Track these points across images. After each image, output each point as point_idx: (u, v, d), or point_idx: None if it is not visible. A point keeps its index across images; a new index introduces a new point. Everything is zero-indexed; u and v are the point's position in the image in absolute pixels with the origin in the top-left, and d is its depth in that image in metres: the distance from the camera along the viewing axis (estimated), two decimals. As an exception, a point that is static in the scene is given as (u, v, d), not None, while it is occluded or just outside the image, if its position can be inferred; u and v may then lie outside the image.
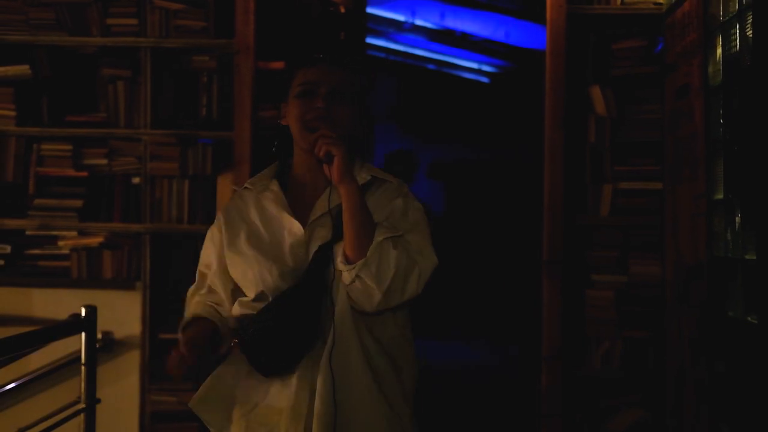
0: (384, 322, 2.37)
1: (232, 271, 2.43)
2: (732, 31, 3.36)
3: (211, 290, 2.55)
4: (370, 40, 7.15)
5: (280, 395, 2.31)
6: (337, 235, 2.31)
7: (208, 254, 2.55)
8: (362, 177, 2.41)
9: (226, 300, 2.48)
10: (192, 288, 2.65)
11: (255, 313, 2.32)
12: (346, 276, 2.25)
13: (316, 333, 2.28)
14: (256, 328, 2.27)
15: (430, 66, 10.66)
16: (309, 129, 2.33)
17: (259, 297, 2.35)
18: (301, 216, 2.39)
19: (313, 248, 2.33)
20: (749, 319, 3.17)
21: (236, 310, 2.40)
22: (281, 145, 2.52)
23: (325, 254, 2.30)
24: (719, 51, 3.52)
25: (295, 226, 2.37)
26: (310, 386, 2.28)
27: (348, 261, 2.25)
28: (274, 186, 2.45)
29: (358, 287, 2.25)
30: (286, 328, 2.26)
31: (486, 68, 10.57)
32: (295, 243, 2.35)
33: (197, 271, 2.63)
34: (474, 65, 10.50)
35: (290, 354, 2.29)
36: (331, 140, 2.23)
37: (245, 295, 2.40)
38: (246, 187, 2.50)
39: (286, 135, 2.46)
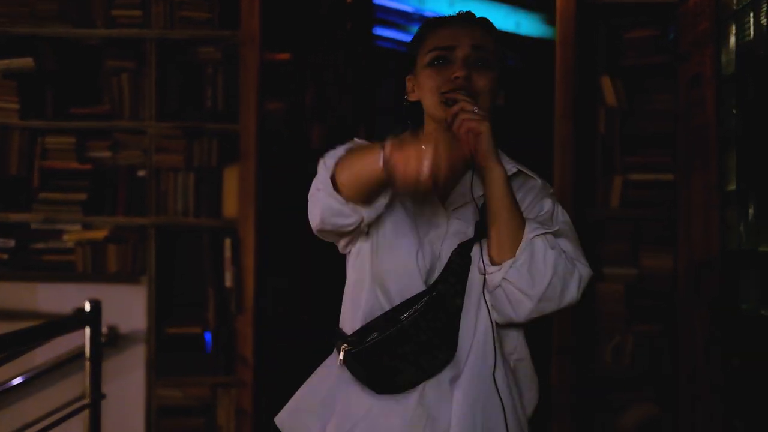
0: (509, 334, 2.01)
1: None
2: (746, 20, 3.31)
3: None
4: (377, 31, 7.10)
5: (390, 414, 1.94)
6: (480, 232, 1.95)
7: None
8: (507, 166, 2.00)
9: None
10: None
11: (373, 317, 1.96)
12: (491, 279, 1.89)
13: (454, 350, 1.92)
14: (376, 338, 1.91)
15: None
16: (446, 103, 1.95)
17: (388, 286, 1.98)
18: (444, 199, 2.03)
19: (451, 245, 1.96)
20: (763, 312, 3.12)
21: (346, 312, 2.04)
22: (413, 123, 2.12)
23: (467, 254, 1.94)
24: (732, 40, 3.47)
25: (439, 215, 2.00)
26: (432, 410, 1.91)
27: (492, 262, 1.90)
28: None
29: (505, 293, 1.88)
30: (420, 342, 1.90)
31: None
32: (435, 235, 1.98)
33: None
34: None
35: (417, 374, 1.92)
36: (474, 115, 1.88)
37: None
38: None
39: (413, 112, 2.11)
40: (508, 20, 8.79)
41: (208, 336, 4.46)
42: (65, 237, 4.49)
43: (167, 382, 4.45)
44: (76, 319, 3.59)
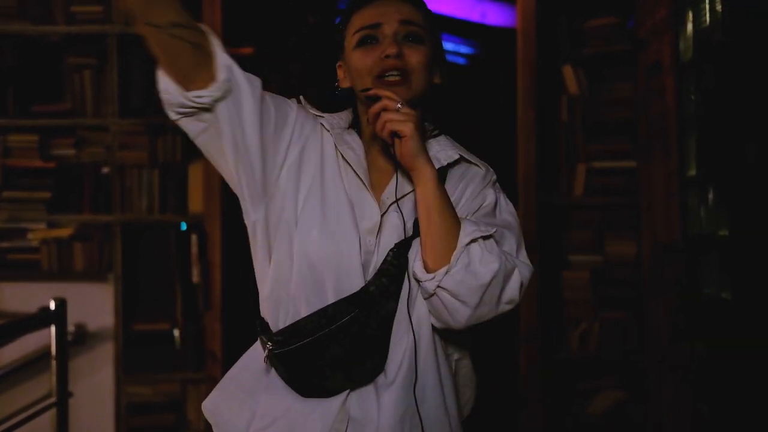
0: (459, 338, 1.92)
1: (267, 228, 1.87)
2: (701, 6, 3.34)
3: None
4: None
5: (310, 415, 1.82)
6: (417, 230, 1.81)
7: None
8: (445, 155, 1.92)
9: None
10: None
11: (301, 316, 1.82)
12: (425, 287, 1.77)
13: (385, 357, 1.80)
14: (302, 342, 1.79)
15: (406, 48, 10.60)
16: (370, 98, 1.82)
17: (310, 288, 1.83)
18: (376, 189, 1.89)
19: (387, 241, 1.82)
20: (723, 296, 3.15)
21: (269, 297, 1.87)
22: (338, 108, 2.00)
23: (403, 254, 1.81)
24: (689, 27, 3.49)
25: (373, 209, 1.85)
26: (356, 416, 1.81)
27: (427, 268, 1.77)
28: (355, 141, 1.92)
29: (441, 301, 1.76)
30: (348, 348, 1.78)
31: (462, 49, 10.52)
32: (369, 229, 1.83)
33: None
34: (450, 47, 10.46)
35: (345, 380, 1.81)
36: (398, 114, 1.75)
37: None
38: (321, 124, 1.94)
39: (346, 100, 1.97)
40: (473, 11, 8.80)
41: (176, 332, 4.45)
42: (30, 236, 4.46)
43: (136, 378, 4.44)
44: (41, 318, 3.57)
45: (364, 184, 1.86)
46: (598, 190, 4.34)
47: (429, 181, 1.77)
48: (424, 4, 1.96)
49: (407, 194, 1.86)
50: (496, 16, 8.81)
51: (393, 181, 1.87)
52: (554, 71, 4.38)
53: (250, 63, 5.04)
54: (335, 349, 1.78)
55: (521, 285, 1.79)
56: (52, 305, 3.48)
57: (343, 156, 1.89)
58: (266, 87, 1.86)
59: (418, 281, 1.79)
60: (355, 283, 1.80)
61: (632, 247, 4.28)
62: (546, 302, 4.32)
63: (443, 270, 1.74)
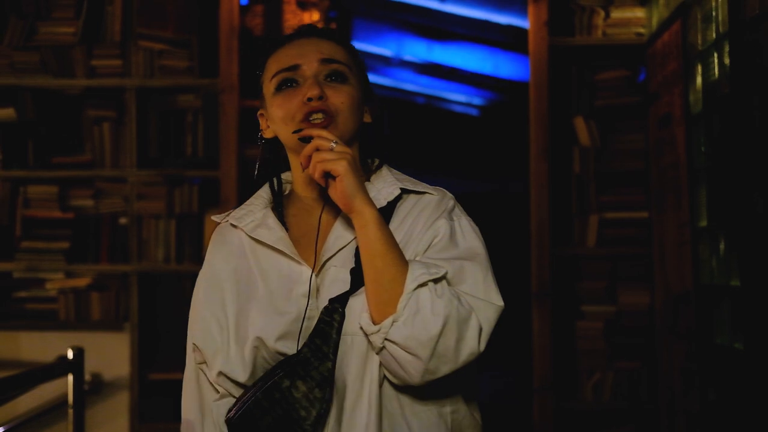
0: (443, 387, 1.70)
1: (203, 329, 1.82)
2: (710, 60, 3.39)
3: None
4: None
5: None
6: (359, 280, 1.68)
7: (209, 316, 1.81)
8: (385, 193, 1.78)
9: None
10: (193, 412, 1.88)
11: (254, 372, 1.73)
12: (373, 340, 1.63)
13: (323, 421, 1.65)
14: (242, 408, 1.66)
15: (419, 100, 10.69)
16: (301, 140, 1.69)
17: (252, 372, 1.73)
18: (310, 251, 1.76)
19: (325, 300, 1.69)
20: (736, 345, 3.16)
21: (218, 378, 1.77)
22: (267, 165, 1.87)
23: (337, 310, 1.67)
24: (699, 80, 3.54)
25: (303, 274, 1.73)
26: None
27: (372, 319, 1.63)
28: (270, 220, 1.80)
29: (391, 354, 1.61)
30: (277, 416, 1.64)
31: (475, 101, 10.60)
32: (305, 293, 1.71)
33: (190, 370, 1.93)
34: (463, 98, 10.54)
35: None
36: (331, 153, 1.63)
37: None
38: (231, 224, 1.84)
39: (273, 150, 1.85)
40: (486, 63, 8.89)
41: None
42: (48, 285, 4.52)
43: (151, 428, 4.45)
44: (59, 367, 3.59)
45: (284, 253, 1.74)
46: (611, 241, 4.37)
47: (368, 223, 1.63)
48: (345, 39, 1.86)
49: (347, 244, 1.73)
50: (508, 68, 8.89)
51: (332, 235, 1.75)
52: (566, 123, 4.44)
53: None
54: (266, 418, 1.64)
55: (480, 331, 1.61)
56: (70, 354, 3.50)
57: (261, 241, 1.78)
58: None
59: (365, 334, 1.65)
60: (289, 348, 1.69)
61: (645, 296, 4.30)
62: (560, 352, 4.33)
63: (389, 320, 1.59)
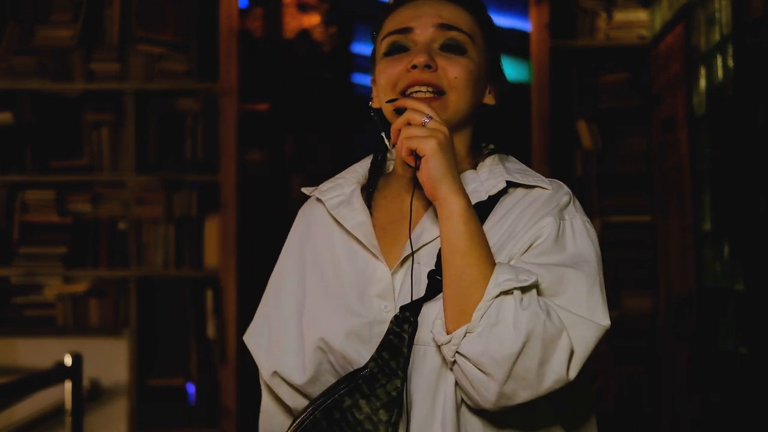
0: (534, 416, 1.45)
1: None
2: (714, 62, 3.36)
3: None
4: (357, 79, 7.16)
5: None
6: (435, 286, 1.46)
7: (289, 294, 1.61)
8: (488, 185, 1.52)
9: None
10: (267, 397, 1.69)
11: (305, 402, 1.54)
12: (445, 355, 1.40)
13: None
14: (299, 428, 1.45)
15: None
16: (398, 110, 1.47)
17: (313, 376, 1.53)
18: (396, 243, 1.54)
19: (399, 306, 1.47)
20: (740, 349, 3.13)
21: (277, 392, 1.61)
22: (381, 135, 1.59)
23: (409, 319, 1.43)
24: (702, 82, 3.51)
25: (379, 270, 1.51)
26: None
27: (446, 328, 1.40)
28: (356, 200, 1.57)
29: (463, 371, 1.37)
30: None
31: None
32: (380, 293, 1.50)
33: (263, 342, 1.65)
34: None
35: None
36: (417, 130, 1.41)
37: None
38: (316, 198, 1.63)
39: (383, 122, 1.58)
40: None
41: (191, 387, 4.44)
42: (46, 291, 4.48)
43: (150, 434, 4.43)
44: (57, 373, 3.56)
45: (363, 245, 1.53)
46: (613, 245, 4.34)
47: (453, 215, 1.39)
48: (477, 4, 1.61)
49: (433, 239, 1.49)
50: (510, 72, 8.87)
51: (419, 227, 1.51)
52: (568, 125, 4.41)
53: (267, 119, 5.10)
54: None
55: (571, 355, 1.36)
56: (68, 360, 3.47)
57: (339, 222, 1.57)
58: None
59: (438, 346, 1.42)
60: (357, 360, 1.48)
61: (648, 300, 4.27)
62: (597, 348, 4.28)
63: (461, 330, 1.36)
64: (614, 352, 4.30)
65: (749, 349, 3.00)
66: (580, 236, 1.48)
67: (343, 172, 1.66)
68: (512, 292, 1.34)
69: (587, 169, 4.37)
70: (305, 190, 1.68)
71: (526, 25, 4.71)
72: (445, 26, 1.53)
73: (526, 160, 4.33)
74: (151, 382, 4.45)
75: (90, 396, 4.35)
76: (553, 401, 1.41)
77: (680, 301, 3.83)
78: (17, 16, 4.54)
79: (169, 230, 4.48)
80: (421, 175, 1.41)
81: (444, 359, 1.42)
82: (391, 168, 1.66)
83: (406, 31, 1.54)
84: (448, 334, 1.38)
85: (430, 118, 1.41)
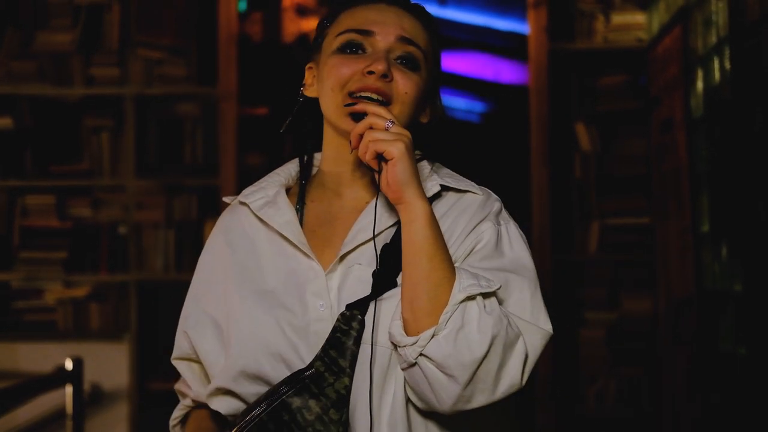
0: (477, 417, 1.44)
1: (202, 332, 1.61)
2: (711, 64, 3.37)
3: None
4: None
5: None
6: (385, 283, 1.47)
7: (209, 301, 1.63)
8: (426, 188, 1.50)
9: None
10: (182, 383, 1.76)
11: (246, 404, 1.51)
12: (404, 354, 1.40)
13: None
14: (243, 429, 1.43)
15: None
16: (353, 115, 1.48)
17: (251, 375, 1.50)
18: (328, 245, 1.54)
19: (343, 304, 1.46)
20: (740, 351, 3.13)
21: (213, 394, 1.58)
22: (302, 128, 1.63)
23: (356, 317, 1.44)
24: (700, 84, 3.52)
25: (311, 270, 1.50)
26: None
27: (407, 329, 1.40)
28: (281, 200, 1.57)
29: (424, 373, 1.38)
30: None
31: (476, 107, 10.58)
32: (315, 292, 1.49)
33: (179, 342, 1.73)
34: (464, 105, 10.52)
35: None
36: (384, 134, 1.41)
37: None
38: (240, 202, 1.63)
39: (310, 113, 1.61)
40: (487, 69, 8.86)
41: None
42: (46, 295, 4.49)
43: (151, 438, 4.43)
44: (58, 378, 3.57)
45: (292, 243, 1.52)
46: (613, 247, 4.35)
47: (419, 218, 1.40)
48: (433, 22, 1.62)
49: (362, 243, 1.50)
50: (509, 74, 8.87)
51: (356, 226, 1.52)
52: (567, 128, 4.42)
53: (265, 123, 5.10)
54: None
55: (525, 360, 1.39)
56: (69, 365, 3.48)
57: (266, 222, 1.56)
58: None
59: (395, 346, 1.42)
60: (290, 363, 1.47)
61: (647, 302, 4.27)
62: (562, 360, 4.30)
63: (428, 333, 1.36)
64: (614, 354, 4.31)
65: (749, 349, 3.00)
66: (516, 242, 1.52)
67: (266, 177, 1.66)
68: (476, 298, 1.37)
69: (586, 172, 4.38)
70: (226, 199, 1.70)
71: (524, 28, 4.72)
72: (405, 40, 1.53)
73: (525, 162, 4.30)
74: (151, 386, 4.45)
75: (91, 400, 4.35)
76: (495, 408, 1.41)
77: (680, 302, 3.84)
78: (17, 21, 4.55)
79: (169, 234, 4.49)
80: (386, 179, 1.41)
81: (391, 359, 1.43)
82: (315, 171, 1.66)
83: (367, 33, 1.53)
84: (408, 335, 1.38)
85: (393, 122, 1.42)
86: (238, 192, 1.66)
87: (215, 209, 4.46)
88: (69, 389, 3.50)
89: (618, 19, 4.39)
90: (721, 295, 3.35)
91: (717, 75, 3.30)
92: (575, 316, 4.36)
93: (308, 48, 1.66)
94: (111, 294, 4.49)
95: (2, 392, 3.16)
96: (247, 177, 4.46)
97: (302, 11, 4.97)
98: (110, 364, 4.45)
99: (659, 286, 4.18)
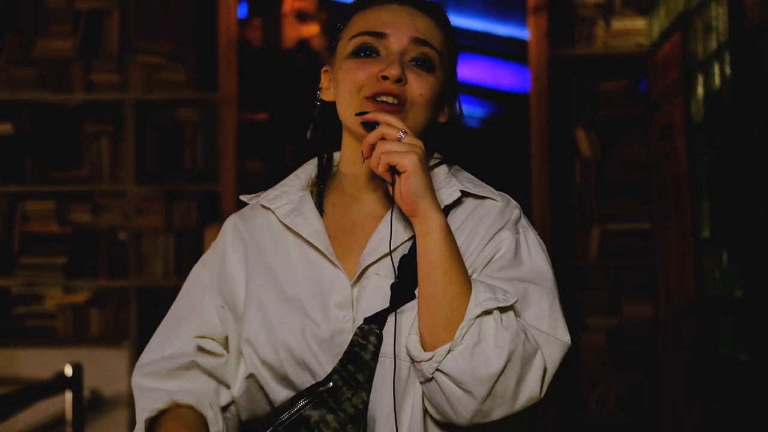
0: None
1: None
2: (711, 69, 3.37)
3: (201, 349, 1.60)
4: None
5: None
6: (404, 295, 1.44)
7: (205, 287, 1.63)
8: (443, 194, 1.50)
9: (233, 361, 1.54)
10: (152, 350, 1.71)
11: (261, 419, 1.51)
12: (421, 369, 1.38)
13: None
14: None
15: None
16: (365, 124, 1.45)
17: (277, 376, 1.50)
18: (349, 252, 1.52)
19: (362, 316, 1.45)
20: (740, 356, 3.13)
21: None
22: (321, 132, 1.61)
23: (373, 331, 1.43)
24: (700, 89, 3.52)
25: (338, 280, 1.48)
26: None
27: (423, 345, 1.38)
28: (308, 208, 1.55)
29: (440, 389, 1.36)
30: None
31: (476, 113, 10.58)
32: (339, 304, 1.47)
33: (167, 320, 1.77)
34: (464, 111, 10.50)
35: None
36: (395, 145, 1.38)
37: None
38: (262, 205, 1.59)
39: (329, 117, 1.59)
40: (487, 75, 8.86)
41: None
42: (46, 301, 4.48)
43: (151, 444, 4.41)
44: (58, 384, 3.56)
45: (321, 253, 1.50)
46: (613, 252, 4.35)
47: (433, 231, 1.38)
48: (447, 22, 1.60)
49: (382, 257, 1.48)
50: (509, 80, 8.88)
51: (376, 237, 1.49)
52: (567, 134, 4.42)
53: (265, 128, 5.11)
54: None
55: (544, 373, 1.38)
56: (69, 371, 3.46)
57: (293, 230, 1.54)
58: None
59: (412, 361, 1.40)
60: (311, 373, 1.46)
61: (648, 308, 4.27)
62: (562, 365, 4.28)
63: (444, 348, 1.34)
64: (614, 360, 4.30)
65: (749, 355, 3.00)
66: (535, 251, 1.49)
67: (286, 179, 1.63)
68: (492, 312, 1.35)
69: (586, 177, 4.38)
70: (244, 198, 1.65)
71: (524, 34, 4.72)
72: (419, 41, 1.51)
73: (525, 168, 4.30)
74: (151, 391, 4.44)
75: (90, 406, 4.34)
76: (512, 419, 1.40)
77: (680, 307, 3.84)
78: (17, 27, 4.55)
79: (169, 240, 4.49)
80: (400, 191, 1.39)
81: (411, 371, 1.42)
82: (333, 170, 1.64)
83: (380, 35, 1.51)
84: (425, 350, 1.37)
85: (405, 132, 1.40)
86: (237, 198, 1.66)
87: (215, 215, 4.46)
88: (69, 395, 3.48)
89: (618, 24, 4.39)
90: (721, 301, 3.34)
91: (717, 80, 3.30)
92: (575, 321, 4.35)
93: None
94: (111, 300, 4.49)
95: (2, 398, 3.14)
96: (247, 183, 4.46)
97: (302, 17, 4.98)
98: (110, 370, 4.45)
99: (659, 292, 4.17)
